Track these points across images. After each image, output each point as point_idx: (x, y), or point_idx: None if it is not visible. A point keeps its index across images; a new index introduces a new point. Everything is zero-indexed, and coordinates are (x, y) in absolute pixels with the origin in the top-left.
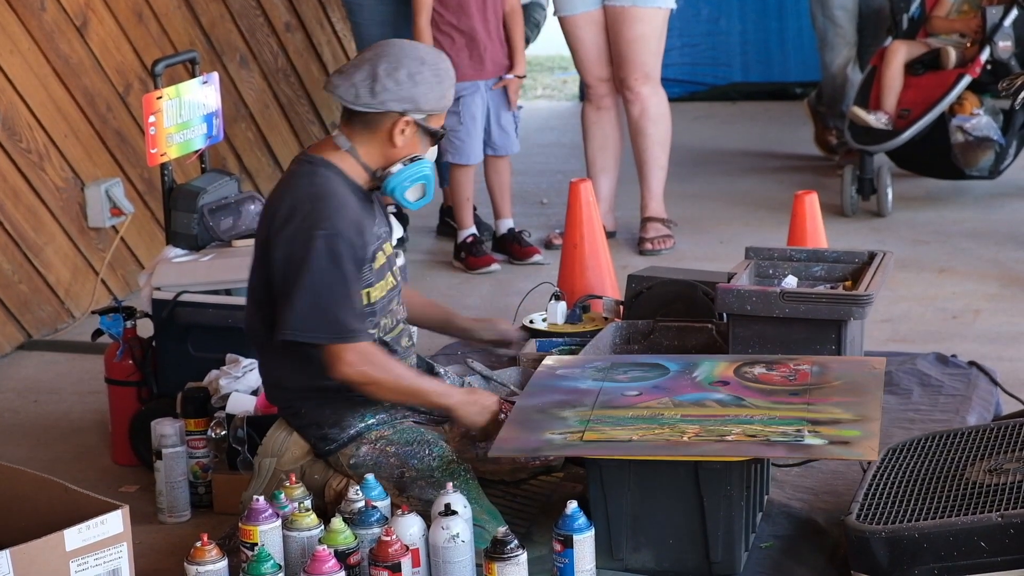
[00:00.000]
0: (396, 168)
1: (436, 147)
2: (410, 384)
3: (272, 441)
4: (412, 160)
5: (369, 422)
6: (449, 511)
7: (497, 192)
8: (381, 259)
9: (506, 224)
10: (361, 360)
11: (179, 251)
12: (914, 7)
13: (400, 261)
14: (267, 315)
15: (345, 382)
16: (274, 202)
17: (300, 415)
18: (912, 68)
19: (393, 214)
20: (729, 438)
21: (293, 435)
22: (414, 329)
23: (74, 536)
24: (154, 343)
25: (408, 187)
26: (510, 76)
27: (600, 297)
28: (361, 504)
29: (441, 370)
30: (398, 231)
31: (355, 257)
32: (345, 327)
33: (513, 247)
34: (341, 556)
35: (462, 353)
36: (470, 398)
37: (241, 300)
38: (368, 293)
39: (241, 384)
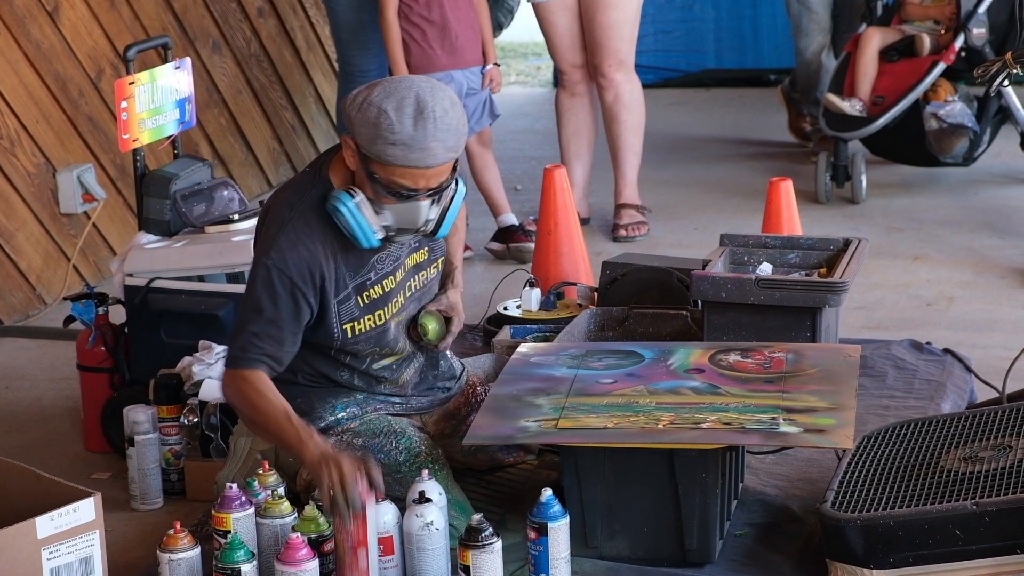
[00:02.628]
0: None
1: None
2: (272, 424)
3: None
4: (345, 190)
5: (340, 415)
6: (423, 499)
7: (494, 189)
8: (379, 291)
9: (509, 219)
10: (236, 387)
11: (151, 237)
12: None
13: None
14: None
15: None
16: (270, 203)
17: None
18: (886, 55)
19: None
20: (704, 426)
21: None
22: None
23: (46, 524)
24: (126, 330)
25: (333, 208)
26: (489, 67)
27: (574, 284)
28: None
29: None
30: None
31: (293, 293)
32: (234, 353)
33: (519, 238)
34: (314, 544)
35: None
36: (321, 450)
37: (214, 286)
38: (352, 327)
39: (214, 371)
